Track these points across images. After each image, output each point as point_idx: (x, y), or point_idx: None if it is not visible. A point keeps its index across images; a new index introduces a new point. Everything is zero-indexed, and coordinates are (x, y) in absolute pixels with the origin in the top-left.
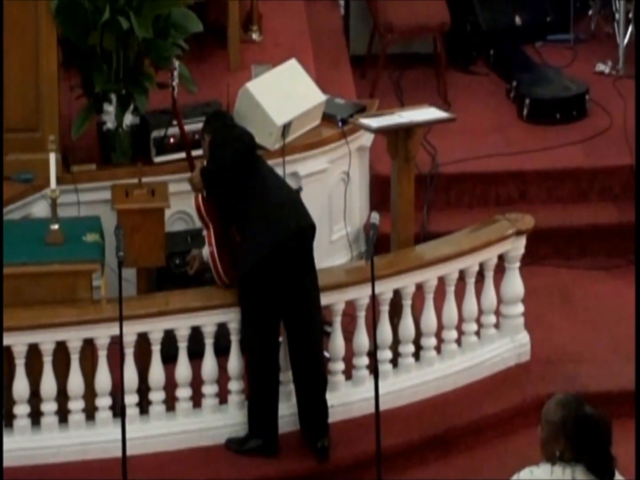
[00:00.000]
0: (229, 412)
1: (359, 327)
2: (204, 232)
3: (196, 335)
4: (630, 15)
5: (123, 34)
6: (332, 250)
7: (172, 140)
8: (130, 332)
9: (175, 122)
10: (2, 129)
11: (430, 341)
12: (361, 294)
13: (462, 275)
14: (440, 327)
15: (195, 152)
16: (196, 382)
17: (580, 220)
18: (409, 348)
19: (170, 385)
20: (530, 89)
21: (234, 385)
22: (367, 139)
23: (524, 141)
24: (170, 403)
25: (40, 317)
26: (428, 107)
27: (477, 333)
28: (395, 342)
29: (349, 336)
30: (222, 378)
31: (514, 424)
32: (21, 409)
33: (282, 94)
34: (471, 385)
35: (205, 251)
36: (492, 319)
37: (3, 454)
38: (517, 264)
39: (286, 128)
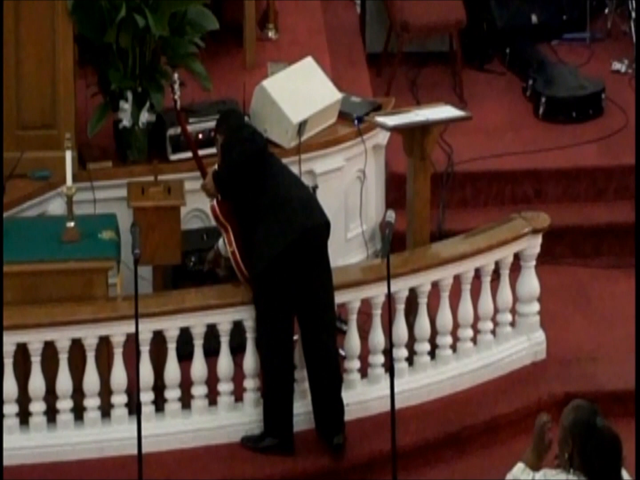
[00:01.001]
0: (245, 410)
1: (375, 326)
2: (223, 235)
3: (212, 332)
4: None
5: (139, 31)
6: (348, 249)
7: None
8: (146, 329)
9: (191, 121)
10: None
11: (445, 339)
12: (377, 292)
13: (477, 274)
14: (456, 325)
15: (207, 151)
16: (212, 380)
17: (596, 219)
18: (424, 346)
19: (185, 383)
20: (546, 88)
21: (250, 383)
22: (383, 137)
23: (539, 140)
24: (185, 401)
25: (56, 315)
26: (444, 106)
27: (493, 331)
28: (411, 341)
29: (364, 334)
30: (238, 376)
31: (530, 423)
32: (37, 407)
33: (298, 92)
34: (487, 383)
35: (221, 244)
36: (508, 317)
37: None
38: (533, 263)
39: (302, 126)
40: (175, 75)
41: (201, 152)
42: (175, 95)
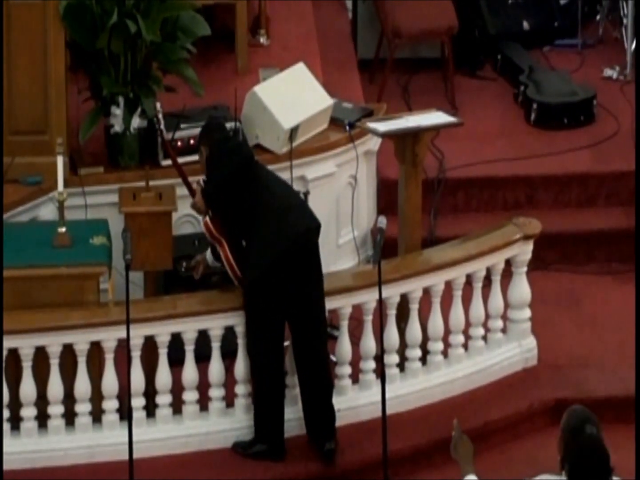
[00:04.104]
0: (236, 415)
1: (366, 331)
2: (219, 249)
3: (203, 338)
4: None
5: (131, 37)
6: (339, 255)
7: (179, 143)
8: (138, 335)
9: (183, 127)
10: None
11: (437, 345)
12: (368, 298)
13: (469, 280)
14: (447, 331)
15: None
16: (203, 385)
17: (587, 226)
18: (415, 352)
19: (177, 389)
20: (537, 94)
21: (241, 389)
22: (374, 143)
23: (531, 146)
24: (177, 406)
25: (48, 320)
26: (435, 112)
27: (484, 337)
28: (402, 347)
29: (355, 340)
30: (229, 381)
31: (521, 429)
32: (28, 412)
33: (289, 97)
34: (478, 389)
35: (209, 255)
36: (499, 323)
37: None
38: (525, 269)
39: (294, 132)
40: (158, 105)
41: (192, 158)
42: (161, 125)
